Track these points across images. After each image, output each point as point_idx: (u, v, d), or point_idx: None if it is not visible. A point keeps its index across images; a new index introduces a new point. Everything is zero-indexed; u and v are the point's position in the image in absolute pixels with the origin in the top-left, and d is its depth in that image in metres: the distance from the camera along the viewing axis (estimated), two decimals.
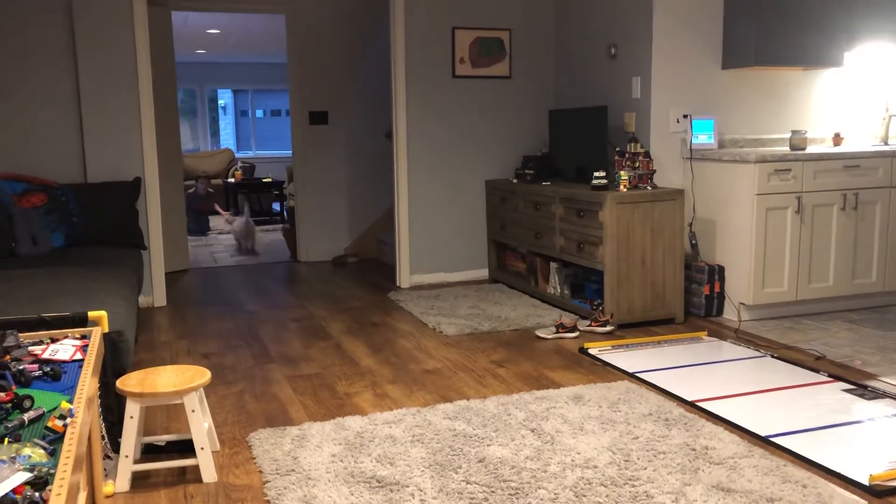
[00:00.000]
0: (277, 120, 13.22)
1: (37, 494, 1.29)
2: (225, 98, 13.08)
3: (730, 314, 4.62)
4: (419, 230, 5.75)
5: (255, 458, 2.77)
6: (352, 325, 4.66)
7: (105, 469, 2.57)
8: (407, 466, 2.65)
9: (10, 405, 1.69)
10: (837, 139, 5.06)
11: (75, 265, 4.01)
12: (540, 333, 4.29)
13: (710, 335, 4.27)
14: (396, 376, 3.68)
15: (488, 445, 2.81)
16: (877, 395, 3.28)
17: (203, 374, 2.67)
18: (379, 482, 2.54)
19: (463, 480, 2.54)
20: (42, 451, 1.46)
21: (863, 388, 3.34)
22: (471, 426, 2.99)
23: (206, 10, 6.44)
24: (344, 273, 6.37)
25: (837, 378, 3.50)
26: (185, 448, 2.84)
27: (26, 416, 1.64)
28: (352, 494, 2.46)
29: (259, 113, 13.20)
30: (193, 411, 2.57)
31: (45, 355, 2.11)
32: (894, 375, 3.50)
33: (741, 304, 4.54)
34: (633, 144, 4.60)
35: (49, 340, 2.27)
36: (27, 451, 1.45)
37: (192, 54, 11.57)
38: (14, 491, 1.28)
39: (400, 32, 5.53)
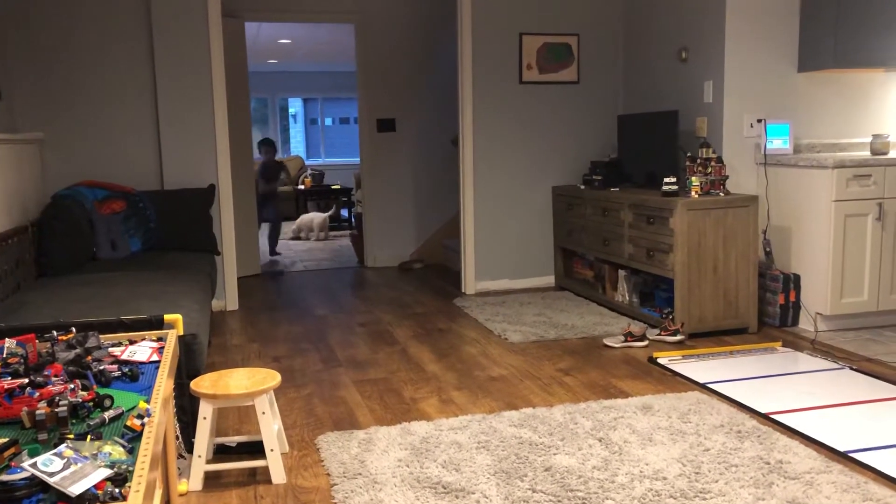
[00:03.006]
0: (346, 128, 13.42)
1: (117, 490, 1.34)
2: (295, 106, 13.35)
3: (806, 324, 4.47)
4: (485, 237, 5.75)
5: (322, 461, 2.80)
6: (417, 330, 4.68)
7: (179, 468, 2.64)
8: (472, 473, 2.65)
9: (91, 404, 1.75)
10: None
11: (152, 270, 4.14)
12: (608, 342, 4.23)
13: (785, 346, 4.14)
14: (462, 382, 3.68)
15: (555, 454, 2.78)
16: None
17: (273, 377, 2.72)
18: (445, 488, 2.54)
19: (529, 489, 2.52)
20: (121, 449, 1.51)
21: None
22: (537, 434, 2.97)
23: (278, 20, 6.59)
24: (410, 279, 6.41)
25: None
26: (256, 449, 2.89)
27: (107, 415, 1.70)
28: (418, 500, 2.47)
29: (328, 121, 13.42)
30: (264, 413, 2.62)
31: (124, 356, 2.19)
32: None
33: (818, 314, 4.39)
34: (704, 150, 4.50)
35: (128, 342, 2.35)
36: (108, 448, 1.50)
37: (263, 64, 11.86)
38: (96, 486, 1.33)
39: (467, 39, 5.54)
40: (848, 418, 3.09)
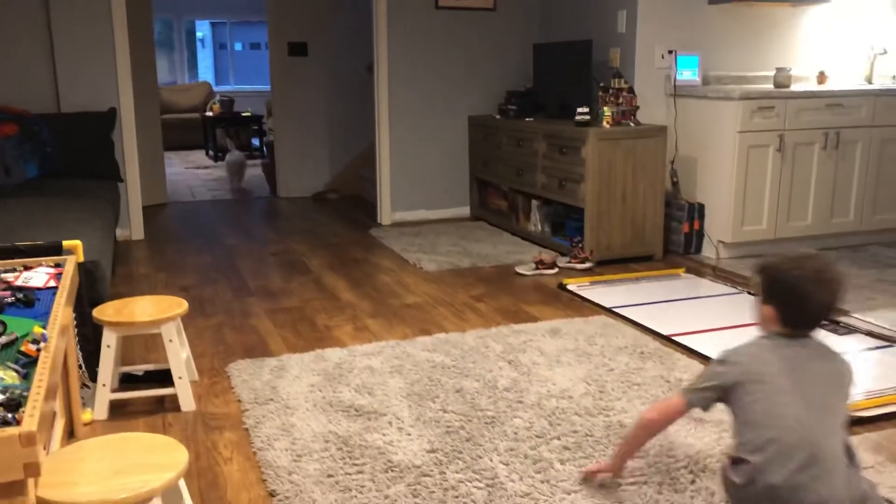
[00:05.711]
0: (257, 53, 12.92)
1: (9, 415, 1.29)
2: (203, 30, 12.76)
3: (709, 252, 4.65)
4: (401, 167, 5.70)
5: (233, 388, 2.78)
6: (332, 260, 4.65)
7: (83, 398, 2.57)
8: (385, 396, 2.68)
9: None
10: (822, 77, 5.03)
11: (50, 196, 3.94)
12: (519, 270, 4.31)
13: (688, 272, 4.30)
14: (376, 310, 3.69)
15: (466, 376, 2.84)
16: (849, 330, 3.33)
17: (180, 305, 2.66)
18: (357, 411, 2.56)
19: (440, 409, 2.57)
20: (15, 374, 1.46)
21: (835, 324, 3.39)
22: (449, 358, 3.02)
23: None
24: (324, 209, 6.33)
25: None
26: (164, 378, 2.83)
27: None
28: (330, 422, 2.48)
29: (238, 46, 12.90)
30: (171, 341, 2.56)
31: (18, 283, 2.09)
32: (866, 312, 3.56)
33: (720, 241, 4.56)
34: (617, 80, 4.54)
35: (22, 268, 2.25)
36: (0, 373, 1.44)
37: None
38: None
39: None
40: (744, 339, 3.24)
